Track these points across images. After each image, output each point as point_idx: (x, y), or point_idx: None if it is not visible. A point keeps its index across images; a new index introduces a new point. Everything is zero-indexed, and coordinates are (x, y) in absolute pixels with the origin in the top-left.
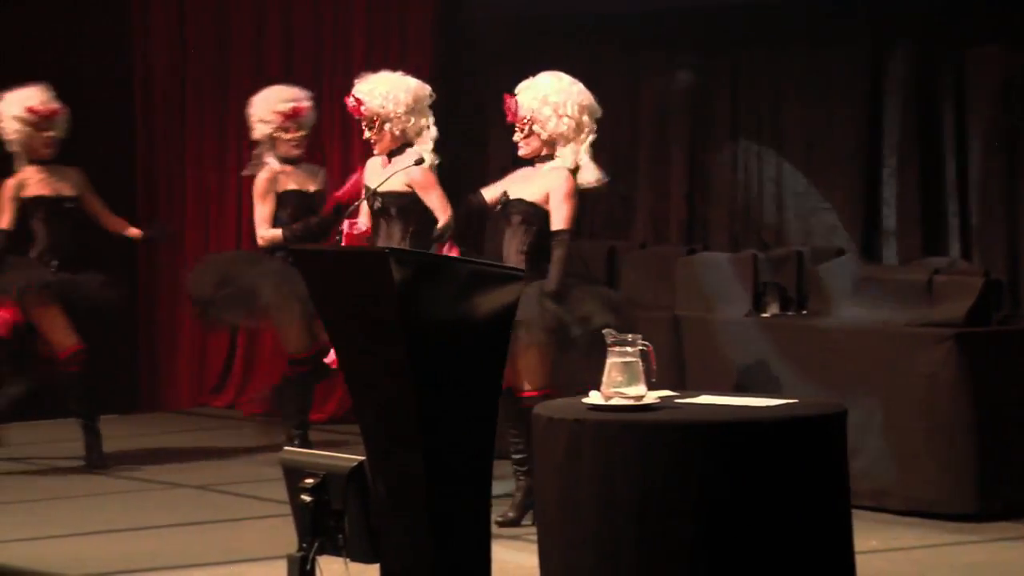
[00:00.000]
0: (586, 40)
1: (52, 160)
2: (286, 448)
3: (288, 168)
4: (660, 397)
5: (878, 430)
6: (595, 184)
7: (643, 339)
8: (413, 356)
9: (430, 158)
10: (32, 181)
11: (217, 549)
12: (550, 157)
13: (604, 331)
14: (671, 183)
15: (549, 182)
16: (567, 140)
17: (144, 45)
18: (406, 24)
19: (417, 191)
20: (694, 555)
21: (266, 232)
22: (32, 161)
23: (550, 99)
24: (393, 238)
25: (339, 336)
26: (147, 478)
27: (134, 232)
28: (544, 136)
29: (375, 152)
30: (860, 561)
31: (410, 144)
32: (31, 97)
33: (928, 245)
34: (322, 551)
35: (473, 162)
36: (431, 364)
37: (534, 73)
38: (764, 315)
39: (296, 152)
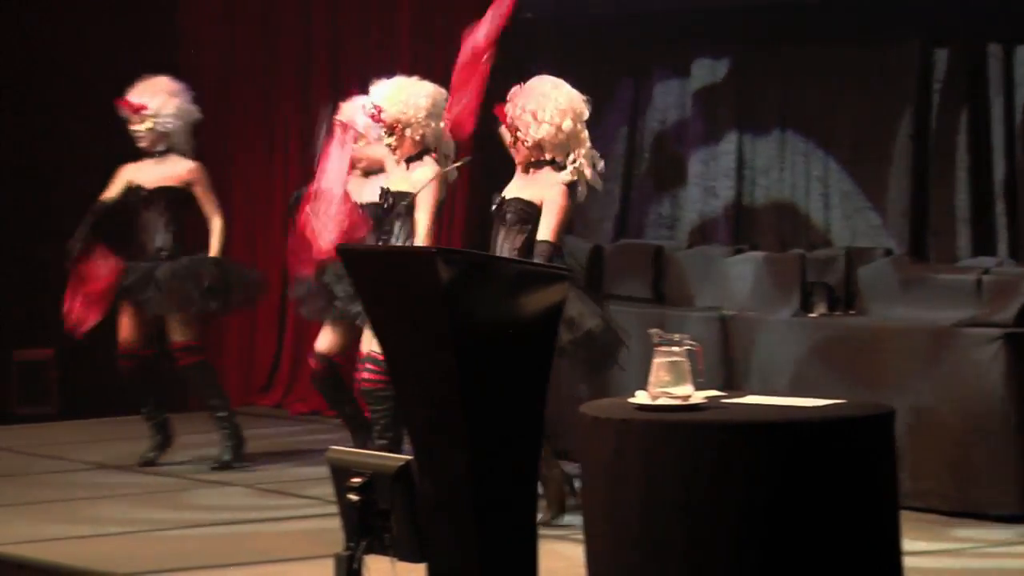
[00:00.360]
0: (637, 36)
1: (162, 152)
2: (332, 447)
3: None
4: (707, 397)
5: (926, 430)
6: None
7: (690, 339)
8: (460, 356)
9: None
10: (132, 170)
11: (264, 548)
12: (547, 162)
13: (650, 331)
14: (719, 182)
15: (545, 191)
16: (554, 145)
17: (192, 44)
18: (452, 25)
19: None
20: (740, 556)
21: None
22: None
23: (528, 105)
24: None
25: (386, 336)
26: (194, 476)
27: (213, 250)
28: (529, 143)
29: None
30: (908, 562)
31: (429, 149)
32: (133, 90)
33: (977, 244)
34: (369, 550)
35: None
36: (478, 364)
37: (584, 71)
38: (811, 315)
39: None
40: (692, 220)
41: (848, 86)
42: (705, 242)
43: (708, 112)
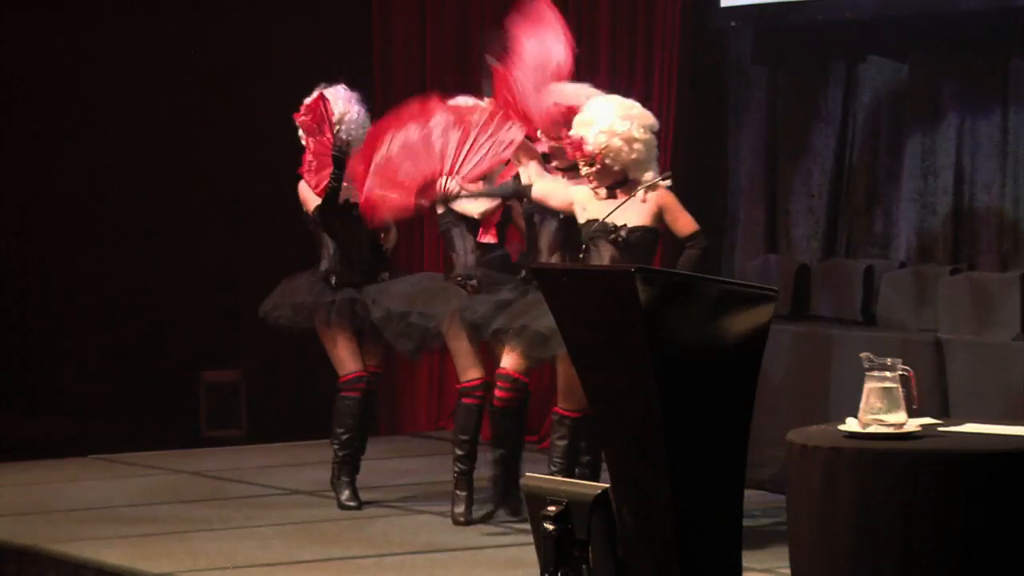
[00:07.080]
0: (846, 48)
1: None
2: (528, 475)
3: None
4: (922, 425)
5: None
6: None
7: (904, 363)
8: (660, 379)
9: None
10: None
11: None
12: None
13: (861, 355)
14: (936, 198)
15: (657, 203)
16: (639, 163)
17: (384, 45)
18: (653, 29)
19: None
20: None
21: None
22: None
23: (616, 128)
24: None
25: (582, 359)
26: (387, 503)
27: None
28: (617, 167)
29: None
30: None
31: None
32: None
33: None
34: None
35: (716, 168)
36: (679, 387)
37: (782, 80)
38: None
39: None
40: (907, 237)
41: None
42: (920, 261)
43: (925, 125)
